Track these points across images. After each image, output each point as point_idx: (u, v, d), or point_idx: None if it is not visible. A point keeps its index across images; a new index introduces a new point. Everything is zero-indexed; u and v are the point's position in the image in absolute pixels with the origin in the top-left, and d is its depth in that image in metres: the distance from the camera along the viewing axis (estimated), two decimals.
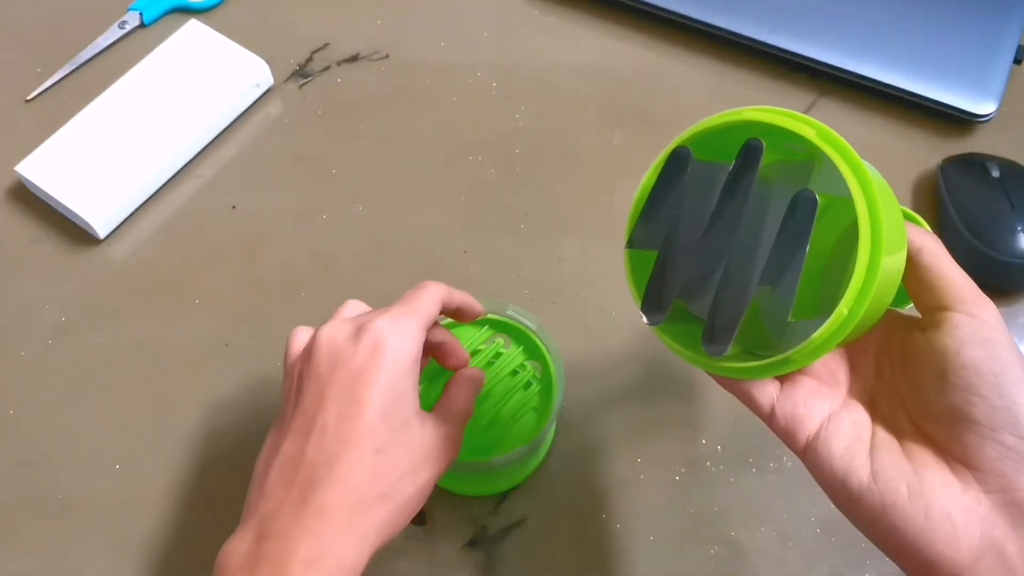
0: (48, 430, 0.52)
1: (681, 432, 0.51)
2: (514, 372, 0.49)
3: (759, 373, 0.34)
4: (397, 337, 0.38)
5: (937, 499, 0.31)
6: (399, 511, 0.38)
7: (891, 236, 0.31)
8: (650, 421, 0.52)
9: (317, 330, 0.40)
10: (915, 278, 0.34)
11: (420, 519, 0.49)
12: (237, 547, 0.36)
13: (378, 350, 0.38)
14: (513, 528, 0.49)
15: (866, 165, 0.32)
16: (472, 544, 0.48)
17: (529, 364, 0.49)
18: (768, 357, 0.33)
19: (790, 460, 0.50)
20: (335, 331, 0.39)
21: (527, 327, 0.49)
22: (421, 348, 0.40)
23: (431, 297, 0.41)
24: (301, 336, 0.42)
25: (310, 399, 0.38)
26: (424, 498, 0.39)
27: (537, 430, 0.47)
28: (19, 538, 0.49)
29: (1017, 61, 0.61)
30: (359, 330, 0.39)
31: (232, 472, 0.51)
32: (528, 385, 0.48)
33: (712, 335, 0.34)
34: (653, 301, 0.36)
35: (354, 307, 0.42)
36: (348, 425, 0.37)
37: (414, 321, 0.40)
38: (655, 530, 0.49)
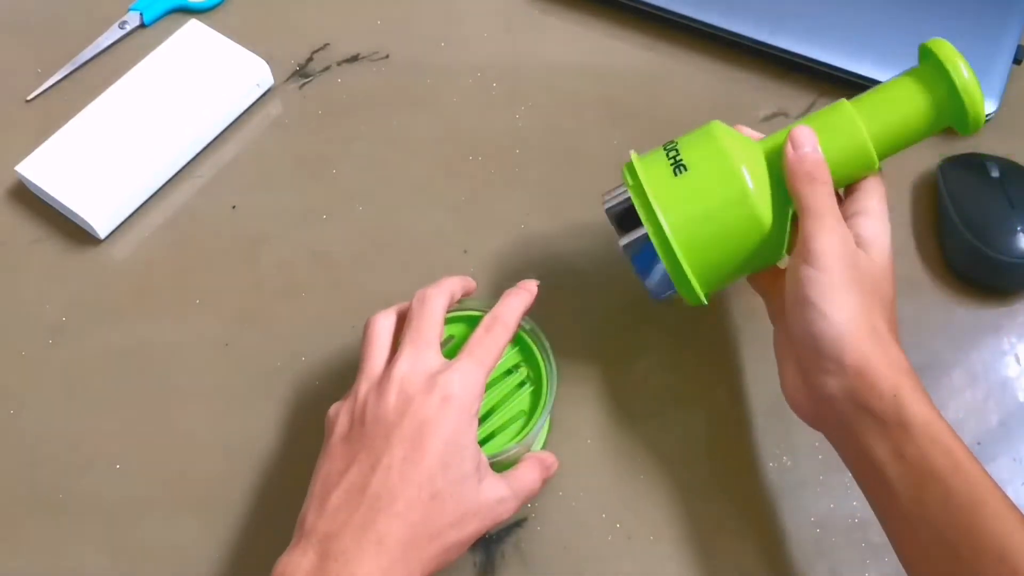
0: (48, 430, 0.52)
1: (681, 432, 0.51)
2: (508, 372, 0.49)
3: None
4: (464, 392, 0.42)
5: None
6: (445, 551, 0.41)
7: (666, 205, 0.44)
8: (649, 421, 0.52)
9: (394, 364, 0.43)
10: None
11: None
12: (299, 561, 0.39)
13: (445, 403, 0.42)
14: (513, 528, 0.49)
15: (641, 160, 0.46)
16: (472, 544, 0.48)
17: (524, 365, 0.49)
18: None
19: (790, 460, 0.50)
20: (411, 374, 0.42)
21: (522, 327, 0.49)
22: (482, 397, 0.44)
23: (499, 345, 0.45)
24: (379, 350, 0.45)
25: (378, 437, 0.41)
26: (467, 546, 0.43)
27: (531, 427, 0.47)
28: (19, 538, 0.49)
29: (1017, 61, 0.61)
30: (431, 381, 0.42)
31: (232, 473, 0.51)
32: (522, 385, 0.48)
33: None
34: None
35: (452, 283, 0.47)
36: (411, 468, 0.40)
37: (483, 374, 0.43)
38: (655, 530, 0.49)
